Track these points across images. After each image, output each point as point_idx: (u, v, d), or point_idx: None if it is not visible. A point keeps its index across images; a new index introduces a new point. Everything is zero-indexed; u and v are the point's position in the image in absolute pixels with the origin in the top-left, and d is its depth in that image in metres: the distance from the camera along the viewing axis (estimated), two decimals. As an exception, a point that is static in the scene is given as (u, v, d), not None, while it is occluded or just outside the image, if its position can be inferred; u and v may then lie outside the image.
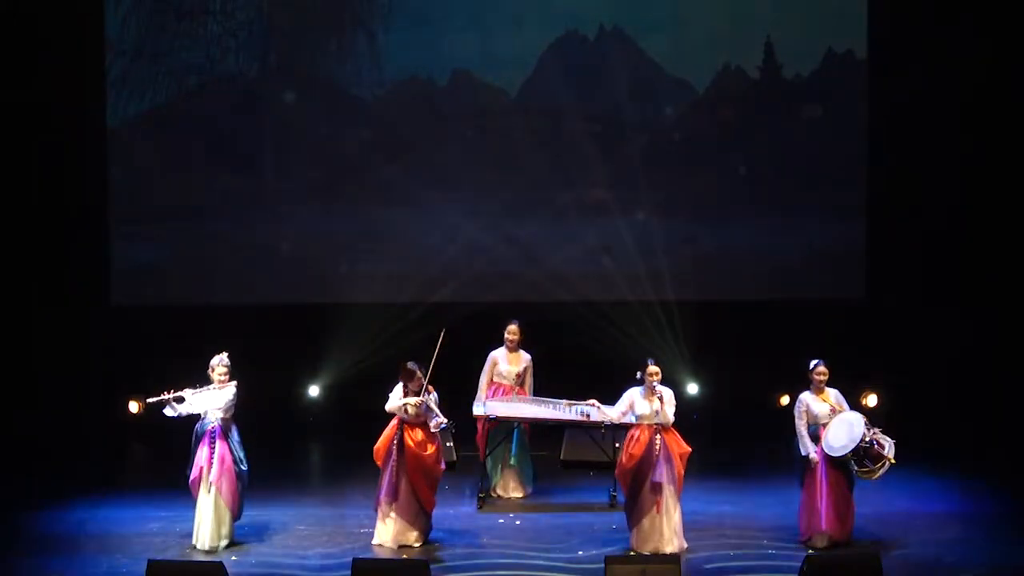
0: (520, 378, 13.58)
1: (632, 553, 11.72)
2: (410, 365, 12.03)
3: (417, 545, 12.05)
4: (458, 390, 14.03)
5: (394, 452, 12.05)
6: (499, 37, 16.75)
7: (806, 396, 11.98)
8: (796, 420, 12.01)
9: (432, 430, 12.00)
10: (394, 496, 12.03)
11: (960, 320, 16.40)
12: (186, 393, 11.80)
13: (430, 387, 12.01)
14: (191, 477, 11.93)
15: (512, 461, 13.62)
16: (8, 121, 16.25)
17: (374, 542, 12.12)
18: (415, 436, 12.03)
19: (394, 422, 12.12)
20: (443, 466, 12.27)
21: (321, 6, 16.90)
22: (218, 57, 16.81)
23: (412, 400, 11.95)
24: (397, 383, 12.10)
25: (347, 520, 12.80)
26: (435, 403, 12.00)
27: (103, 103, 16.67)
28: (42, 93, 16.29)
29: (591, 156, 16.85)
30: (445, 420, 11.97)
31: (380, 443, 12.16)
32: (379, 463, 12.16)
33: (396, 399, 12.04)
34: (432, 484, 12.15)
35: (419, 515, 12.11)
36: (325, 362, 16.68)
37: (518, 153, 16.77)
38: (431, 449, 12.07)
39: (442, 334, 12.23)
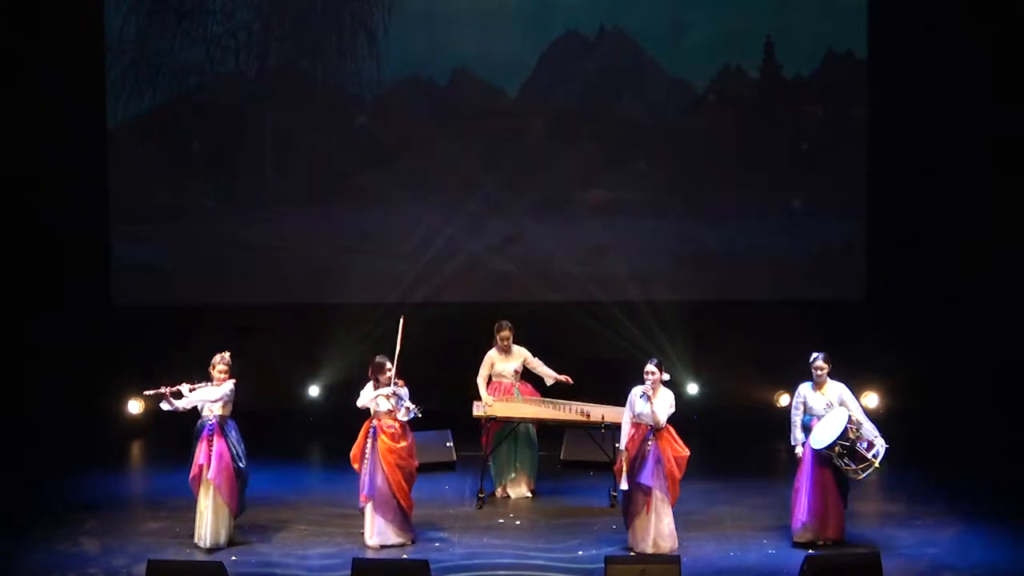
0: (518, 374, 13.61)
1: (631, 552, 11.72)
2: (379, 358, 12.05)
3: (399, 544, 12.01)
4: (457, 390, 14.08)
5: (367, 449, 12.04)
6: (499, 37, 16.75)
7: (804, 388, 12.00)
8: (792, 411, 12.05)
9: (401, 418, 11.97)
10: (371, 493, 12.01)
11: (959, 320, 16.40)
12: (183, 388, 11.83)
13: (400, 381, 12.01)
14: (190, 475, 11.95)
15: (517, 463, 13.64)
16: (8, 121, 16.25)
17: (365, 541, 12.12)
18: (388, 429, 12.01)
19: (366, 423, 12.11)
20: (416, 462, 12.23)
21: (321, 6, 16.90)
22: (218, 57, 16.81)
23: (385, 391, 11.94)
24: (368, 382, 12.10)
25: (347, 520, 12.78)
26: (405, 395, 12.01)
27: (103, 103, 16.67)
28: (42, 93, 16.29)
29: (591, 156, 16.85)
30: (414, 407, 11.94)
31: (355, 447, 12.14)
32: (356, 467, 12.15)
33: (367, 395, 12.05)
34: (408, 478, 12.08)
35: (396, 512, 12.05)
36: (325, 362, 16.69)
37: (518, 153, 16.77)
38: (405, 443, 12.05)
39: (402, 320, 12.23)
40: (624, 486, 11.73)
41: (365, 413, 12.21)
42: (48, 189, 16.40)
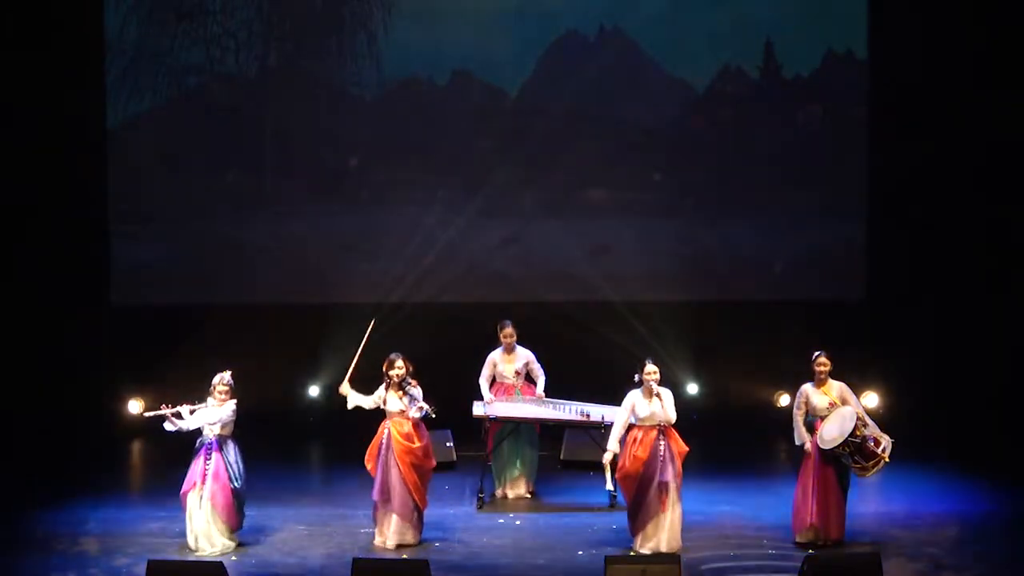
0: (520, 375, 13.61)
1: (633, 553, 11.71)
2: (392, 355, 12.07)
3: (414, 543, 12.04)
4: (457, 390, 14.06)
5: (383, 450, 12.05)
6: (499, 37, 16.75)
7: (806, 388, 11.99)
8: (794, 410, 12.04)
9: (412, 415, 11.97)
10: (387, 495, 12.02)
11: (959, 320, 16.40)
12: (184, 409, 11.78)
13: (413, 381, 12.01)
14: (183, 490, 11.90)
15: (518, 463, 13.64)
16: (8, 121, 16.25)
17: (375, 543, 12.11)
18: (402, 429, 12.03)
19: (381, 426, 12.13)
20: (433, 462, 12.26)
21: (321, 6, 16.90)
22: (218, 57, 16.81)
23: (378, 395, 12.00)
24: (375, 391, 12.12)
25: (347, 520, 12.80)
26: (419, 395, 12.02)
27: (103, 103, 16.66)
28: (42, 93, 16.29)
29: (591, 156, 16.84)
30: (426, 406, 11.96)
31: (369, 449, 12.16)
32: (371, 467, 12.15)
33: (377, 395, 12.13)
34: (424, 479, 12.11)
35: (414, 512, 12.08)
36: (325, 362, 16.67)
37: (518, 153, 16.77)
38: (420, 443, 12.07)
39: (371, 323, 12.22)
40: (609, 486, 11.78)
41: (370, 414, 12.22)
42: (48, 189, 16.39)
